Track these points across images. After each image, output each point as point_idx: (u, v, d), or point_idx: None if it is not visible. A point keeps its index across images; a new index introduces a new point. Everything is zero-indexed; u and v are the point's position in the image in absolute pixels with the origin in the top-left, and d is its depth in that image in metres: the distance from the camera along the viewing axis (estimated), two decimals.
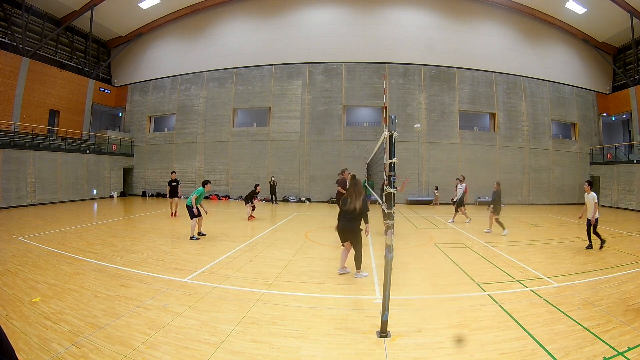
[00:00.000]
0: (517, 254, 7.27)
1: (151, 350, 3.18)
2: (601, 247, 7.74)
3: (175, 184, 12.50)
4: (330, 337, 3.55)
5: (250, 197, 12.24)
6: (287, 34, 20.60)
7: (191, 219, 8.33)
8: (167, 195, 12.75)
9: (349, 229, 5.38)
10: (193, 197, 8.31)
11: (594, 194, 7.71)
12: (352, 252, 5.58)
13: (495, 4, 20.43)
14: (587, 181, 8.04)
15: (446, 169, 19.56)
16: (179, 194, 12.75)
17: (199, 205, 8.48)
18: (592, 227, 7.78)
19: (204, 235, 8.66)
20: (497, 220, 9.71)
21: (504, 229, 9.66)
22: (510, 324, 3.86)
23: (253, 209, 12.40)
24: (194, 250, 7.26)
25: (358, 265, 5.46)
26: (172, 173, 12.91)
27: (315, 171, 19.80)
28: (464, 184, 11.93)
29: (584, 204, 8.11)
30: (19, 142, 15.97)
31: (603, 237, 7.82)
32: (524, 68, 20.49)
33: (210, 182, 8.80)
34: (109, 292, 4.63)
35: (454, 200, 12.21)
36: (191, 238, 8.19)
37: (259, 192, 12.52)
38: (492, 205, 10.02)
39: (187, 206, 8.35)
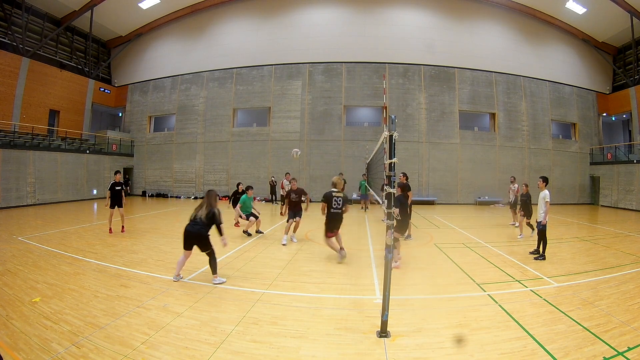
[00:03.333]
0: (517, 254, 7.27)
1: (151, 350, 3.18)
2: (536, 257, 6.83)
3: (119, 188, 9.37)
4: (330, 337, 3.55)
5: (235, 200, 10.77)
6: (287, 34, 20.59)
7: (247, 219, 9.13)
8: (107, 204, 9.25)
9: (196, 235, 5.16)
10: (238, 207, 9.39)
11: (547, 192, 6.83)
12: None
13: (495, 4, 20.43)
14: (541, 177, 7.13)
15: (446, 169, 19.57)
16: (124, 201, 9.43)
17: (252, 210, 9.27)
18: (538, 230, 6.91)
19: (249, 234, 9.15)
20: (529, 224, 9.32)
21: (521, 233, 9.44)
22: (511, 324, 3.86)
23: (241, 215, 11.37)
24: (193, 250, 7.24)
25: (214, 270, 5.22)
26: (116, 174, 9.64)
27: (315, 171, 19.79)
28: (516, 185, 11.48)
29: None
30: (19, 142, 15.96)
31: (545, 251, 6.84)
32: (523, 68, 20.48)
33: (252, 187, 9.58)
34: (109, 292, 4.63)
35: (510, 202, 11.59)
36: (257, 231, 9.36)
37: (241, 191, 10.77)
38: (521, 209, 9.34)
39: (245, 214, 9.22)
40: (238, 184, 11.25)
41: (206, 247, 5.22)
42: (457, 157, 19.64)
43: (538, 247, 7.03)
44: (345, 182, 16.86)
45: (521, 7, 20.33)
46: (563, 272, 6.01)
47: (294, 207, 8.32)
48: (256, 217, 9.18)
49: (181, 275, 5.33)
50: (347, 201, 6.66)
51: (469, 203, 19.38)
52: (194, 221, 5.24)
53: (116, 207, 9.23)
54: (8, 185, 14.93)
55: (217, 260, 5.63)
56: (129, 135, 22.93)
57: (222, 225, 5.28)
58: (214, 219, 5.23)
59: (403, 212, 6.15)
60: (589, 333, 3.59)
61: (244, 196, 9.21)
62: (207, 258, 5.22)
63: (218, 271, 5.28)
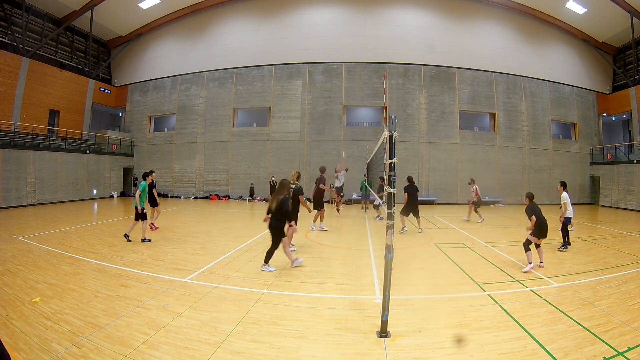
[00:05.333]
0: (517, 254, 7.25)
1: (151, 350, 3.18)
2: (560, 248, 7.72)
3: (154, 187, 9.47)
4: (330, 337, 3.55)
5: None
6: (287, 34, 20.59)
7: (140, 219, 7.83)
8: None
9: (271, 226, 5.85)
10: (137, 194, 7.74)
11: (565, 194, 7.99)
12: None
13: (495, 4, 20.41)
14: (560, 182, 8.29)
15: (446, 169, 19.56)
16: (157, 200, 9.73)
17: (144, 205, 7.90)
18: (562, 225, 7.97)
19: (148, 241, 7.86)
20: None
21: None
22: (511, 324, 3.86)
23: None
24: (193, 250, 7.26)
25: (266, 259, 5.83)
26: (151, 173, 9.19)
27: (315, 171, 19.54)
28: (475, 186, 12.36)
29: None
30: (19, 142, 15.96)
31: (570, 240, 7.92)
32: (524, 68, 20.47)
33: (153, 171, 8.39)
34: (109, 292, 4.63)
35: (472, 201, 12.50)
36: (143, 240, 7.77)
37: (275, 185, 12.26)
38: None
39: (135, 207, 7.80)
40: (282, 180, 11.80)
41: (275, 237, 5.79)
42: (457, 157, 19.63)
43: (564, 239, 7.88)
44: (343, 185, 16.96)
45: (521, 7, 20.32)
46: (563, 272, 6.01)
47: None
48: (144, 218, 7.87)
49: (298, 259, 6.16)
50: (298, 192, 7.32)
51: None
52: (272, 214, 5.83)
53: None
54: (8, 185, 14.92)
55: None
56: (129, 135, 22.93)
57: (288, 212, 5.87)
58: (282, 208, 5.76)
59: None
60: (589, 333, 3.59)
61: (143, 183, 7.94)
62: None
63: (269, 262, 5.88)
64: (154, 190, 9.51)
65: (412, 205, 9.69)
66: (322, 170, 10.36)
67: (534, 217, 6.08)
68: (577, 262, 6.73)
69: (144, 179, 8.14)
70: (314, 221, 9.97)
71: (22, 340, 3.27)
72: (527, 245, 6.12)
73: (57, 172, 17.35)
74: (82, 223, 10.77)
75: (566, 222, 7.94)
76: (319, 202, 9.79)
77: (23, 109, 17.80)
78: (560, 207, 8.12)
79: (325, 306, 4.40)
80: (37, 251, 6.84)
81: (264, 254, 5.89)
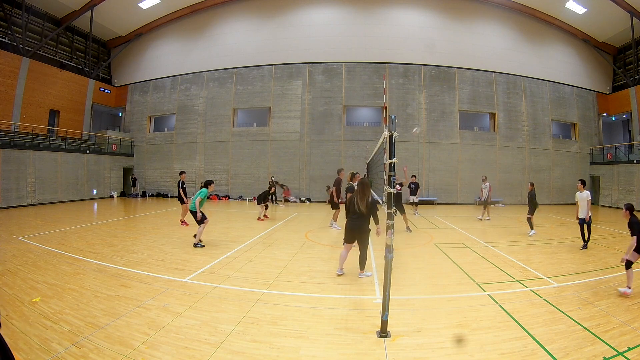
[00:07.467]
0: (517, 254, 7.27)
1: (151, 350, 3.18)
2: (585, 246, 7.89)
3: (185, 186, 10.92)
4: (330, 337, 3.55)
5: (263, 198, 12.22)
6: (287, 34, 20.59)
7: (199, 224, 7.61)
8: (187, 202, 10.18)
9: (356, 229, 5.39)
10: (197, 200, 7.56)
11: (588, 192, 7.95)
12: (357, 253, 5.67)
13: (495, 4, 20.42)
14: (579, 180, 8.28)
15: (446, 169, 19.57)
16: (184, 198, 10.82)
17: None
18: (588, 224, 7.91)
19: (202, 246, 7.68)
20: (529, 220, 9.71)
21: (531, 229, 9.61)
22: (511, 324, 3.86)
23: (266, 208, 12.53)
24: (193, 251, 7.25)
25: (362, 266, 5.54)
26: (181, 174, 11.39)
27: (315, 171, 19.79)
28: (487, 184, 12.94)
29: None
30: (19, 142, 15.96)
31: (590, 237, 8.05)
32: (524, 68, 20.48)
33: (213, 182, 8.01)
34: (109, 292, 4.63)
35: (481, 199, 13.10)
36: (195, 245, 7.53)
37: (273, 191, 12.71)
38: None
39: (192, 211, 7.65)
40: (275, 183, 12.82)
41: (362, 241, 5.40)
42: (457, 157, 19.64)
43: (588, 238, 7.91)
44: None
45: (521, 7, 20.32)
46: (563, 272, 6.01)
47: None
48: (203, 221, 7.67)
49: (343, 270, 5.61)
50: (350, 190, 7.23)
51: (469, 203, 19.37)
52: (354, 215, 5.36)
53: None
54: (8, 185, 14.92)
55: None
56: (129, 135, 22.93)
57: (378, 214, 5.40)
58: (373, 208, 5.31)
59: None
60: (589, 333, 3.59)
61: (204, 190, 7.70)
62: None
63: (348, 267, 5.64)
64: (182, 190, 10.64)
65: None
66: (339, 172, 10.17)
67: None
68: (577, 262, 6.73)
69: (206, 187, 7.76)
70: (334, 220, 10.49)
71: (22, 340, 3.27)
72: (629, 265, 5.07)
73: (57, 172, 17.35)
74: (82, 223, 10.77)
75: (589, 222, 7.93)
76: (335, 202, 10.12)
77: (23, 109, 17.80)
78: (582, 207, 7.94)
79: (325, 306, 4.40)
80: (37, 251, 6.84)
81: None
